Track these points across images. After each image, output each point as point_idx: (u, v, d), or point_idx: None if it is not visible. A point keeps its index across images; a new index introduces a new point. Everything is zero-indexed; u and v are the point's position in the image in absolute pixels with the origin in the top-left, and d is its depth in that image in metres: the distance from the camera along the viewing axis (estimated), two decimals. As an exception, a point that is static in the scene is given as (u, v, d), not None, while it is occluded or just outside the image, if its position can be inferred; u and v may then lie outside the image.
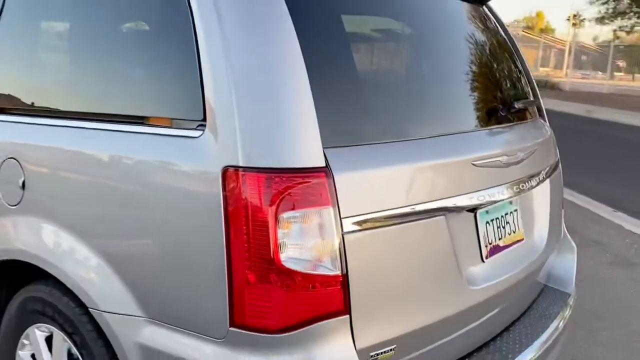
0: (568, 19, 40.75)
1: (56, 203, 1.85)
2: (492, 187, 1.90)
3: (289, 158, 1.47)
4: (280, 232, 1.45)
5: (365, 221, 1.53)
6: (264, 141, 1.48)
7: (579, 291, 4.07)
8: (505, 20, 2.56)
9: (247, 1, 1.55)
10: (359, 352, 1.53)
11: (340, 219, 1.49)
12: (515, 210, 2.12)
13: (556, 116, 17.58)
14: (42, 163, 1.89)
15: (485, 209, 1.93)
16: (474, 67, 2.20)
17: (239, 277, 1.47)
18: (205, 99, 1.53)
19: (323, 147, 1.50)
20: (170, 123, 1.63)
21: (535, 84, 2.58)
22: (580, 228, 5.70)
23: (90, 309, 1.74)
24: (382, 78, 1.89)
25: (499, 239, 2.00)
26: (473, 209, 1.85)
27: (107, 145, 1.73)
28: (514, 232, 2.09)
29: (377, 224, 1.56)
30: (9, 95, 2.13)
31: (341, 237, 1.49)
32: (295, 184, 1.46)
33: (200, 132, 1.54)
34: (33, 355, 2.07)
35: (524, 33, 40.80)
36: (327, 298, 1.49)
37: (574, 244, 2.67)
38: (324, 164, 1.49)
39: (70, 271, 1.78)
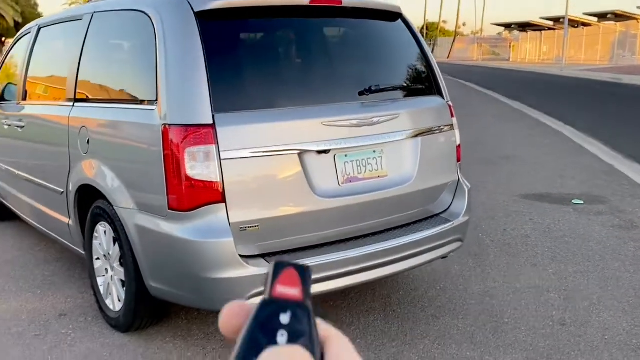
0: None
1: (99, 149, 3.34)
2: (342, 138, 3.04)
3: (191, 119, 2.78)
4: (187, 157, 2.77)
5: (234, 154, 2.80)
6: (180, 111, 2.81)
7: (566, 245, 4.84)
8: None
9: (179, 38, 2.89)
10: (232, 224, 2.80)
11: (219, 151, 2.77)
12: (380, 156, 3.22)
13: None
14: (93, 128, 3.39)
15: (344, 153, 3.08)
16: (344, 61, 3.35)
17: (169, 182, 2.82)
18: (158, 90, 2.89)
19: (212, 113, 2.78)
20: (145, 102, 3.02)
21: (436, 73, 3.60)
22: (616, 201, 6.27)
23: (115, 207, 3.18)
24: (259, 75, 3.12)
25: (359, 174, 3.13)
26: (326, 152, 3.01)
27: (118, 115, 3.18)
28: (375, 170, 3.19)
29: (245, 156, 2.82)
30: (82, 93, 3.67)
31: (219, 161, 2.77)
32: (194, 132, 2.77)
33: (154, 107, 2.90)
34: (99, 245, 3.57)
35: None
36: (211, 193, 2.78)
37: (465, 187, 3.65)
38: (211, 122, 2.78)
39: (108, 188, 3.24)
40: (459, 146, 3.66)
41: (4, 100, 4.89)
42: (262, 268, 2.82)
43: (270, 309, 0.37)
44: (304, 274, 0.38)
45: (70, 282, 4.20)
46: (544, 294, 3.93)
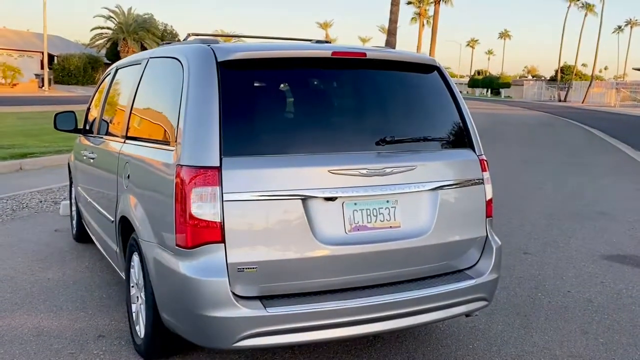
0: None
1: (134, 184, 3.58)
2: (351, 187, 3.05)
3: (200, 161, 2.93)
4: (193, 197, 2.91)
5: (237, 196, 2.90)
6: (191, 153, 2.97)
7: (631, 314, 4.48)
8: None
9: (199, 85, 3.06)
10: (229, 264, 2.89)
11: (222, 193, 2.89)
12: (393, 206, 3.19)
13: None
14: (133, 164, 3.65)
15: (353, 201, 3.09)
16: (363, 110, 3.37)
17: (177, 220, 2.97)
18: (177, 133, 3.08)
19: (221, 156, 2.92)
20: (170, 143, 3.21)
21: (469, 126, 3.53)
22: None
23: (140, 240, 3.39)
24: (271, 122, 3.20)
25: (368, 222, 3.12)
26: (332, 199, 3.03)
27: (149, 153, 3.41)
28: (387, 220, 3.16)
29: (247, 198, 2.92)
30: (131, 130, 3.95)
31: (222, 202, 2.89)
32: (201, 174, 2.91)
33: (173, 148, 3.09)
34: (134, 273, 3.79)
35: None
36: (212, 233, 2.90)
37: (493, 245, 3.50)
38: (218, 165, 2.91)
39: (137, 221, 3.46)
40: (489, 201, 3.53)
41: (91, 132, 5.37)
42: (256, 310, 2.88)
43: None
44: None
45: (120, 306, 4.47)
46: (582, 365, 3.65)
